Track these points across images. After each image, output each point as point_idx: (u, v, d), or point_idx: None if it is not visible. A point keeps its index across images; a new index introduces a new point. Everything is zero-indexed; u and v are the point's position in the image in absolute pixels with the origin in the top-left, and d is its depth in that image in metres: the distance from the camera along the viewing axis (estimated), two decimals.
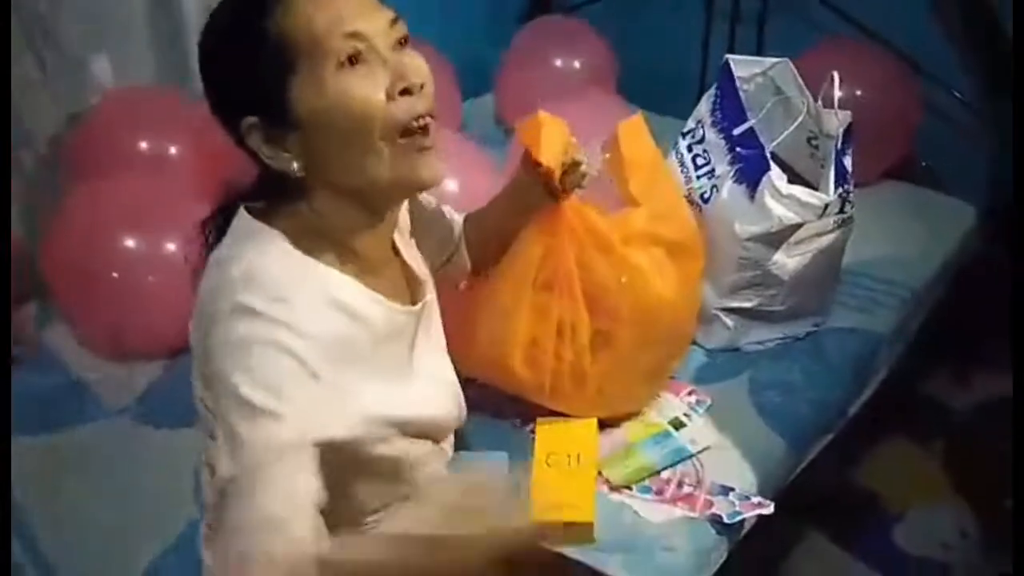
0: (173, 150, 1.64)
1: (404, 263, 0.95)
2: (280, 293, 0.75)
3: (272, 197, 0.83)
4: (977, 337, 1.95)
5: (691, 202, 1.48)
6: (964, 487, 1.74)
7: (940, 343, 1.79)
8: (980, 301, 1.87)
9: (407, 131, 0.77)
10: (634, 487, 1.26)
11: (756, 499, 1.24)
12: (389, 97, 0.76)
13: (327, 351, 0.76)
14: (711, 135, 1.48)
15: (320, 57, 0.75)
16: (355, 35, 0.75)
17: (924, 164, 2.00)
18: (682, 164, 1.51)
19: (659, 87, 2.07)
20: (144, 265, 1.42)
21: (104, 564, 1.16)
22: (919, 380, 1.93)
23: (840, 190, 1.35)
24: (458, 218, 1.16)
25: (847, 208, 1.39)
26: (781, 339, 1.50)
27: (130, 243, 1.43)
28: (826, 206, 1.34)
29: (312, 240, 0.81)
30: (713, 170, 1.46)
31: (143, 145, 1.63)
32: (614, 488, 1.25)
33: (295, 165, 0.78)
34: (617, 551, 1.17)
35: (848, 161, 1.38)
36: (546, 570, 0.77)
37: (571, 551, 1.14)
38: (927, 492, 1.74)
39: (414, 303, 0.92)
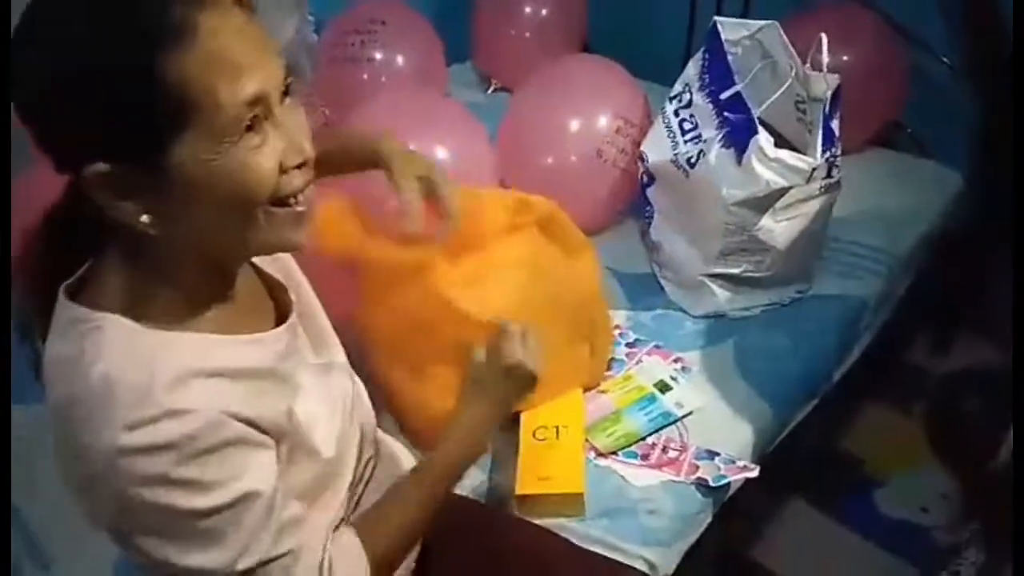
0: None
1: (260, 273, 0.87)
2: (158, 412, 0.65)
3: (87, 258, 0.72)
4: (958, 303, 1.97)
5: (677, 167, 1.47)
6: (943, 451, 1.76)
7: (922, 309, 1.80)
8: (961, 267, 1.89)
9: (284, 200, 0.71)
10: (620, 452, 1.26)
11: (741, 463, 1.25)
12: (281, 170, 0.69)
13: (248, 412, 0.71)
14: (699, 99, 1.47)
15: (218, 123, 0.64)
16: (256, 100, 0.66)
17: (909, 130, 1.99)
18: (669, 128, 1.50)
19: (645, 50, 2.05)
20: None
21: (87, 537, 1.15)
22: (901, 346, 1.94)
23: (827, 154, 1.34)
24: None
25: (834, 172, 1.38)
26: (767, 305, 1.50)
27: None
28: (813, 170, 1.33)
29: (161, 306, 0.71)
30: (700, 135, 1.45)
31: None
32: (600, 454, 1.25)
33: (144, 219, 0.66)
34: (602, 516, 1.18)
35: (835, 125, 1.37)
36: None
37: (559, 521, 1.15)
38: (908, 457, 1.76)
39: (280, 313, 0.84)
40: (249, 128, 0.66)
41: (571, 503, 1.16)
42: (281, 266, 0.88)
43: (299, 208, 0.72)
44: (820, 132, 1.34)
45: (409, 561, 0.99)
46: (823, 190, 1.39)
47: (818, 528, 1.66)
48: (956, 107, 1.95)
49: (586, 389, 1.33)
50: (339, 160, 1.05)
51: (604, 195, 1.65)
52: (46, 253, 0.73)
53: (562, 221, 1.29)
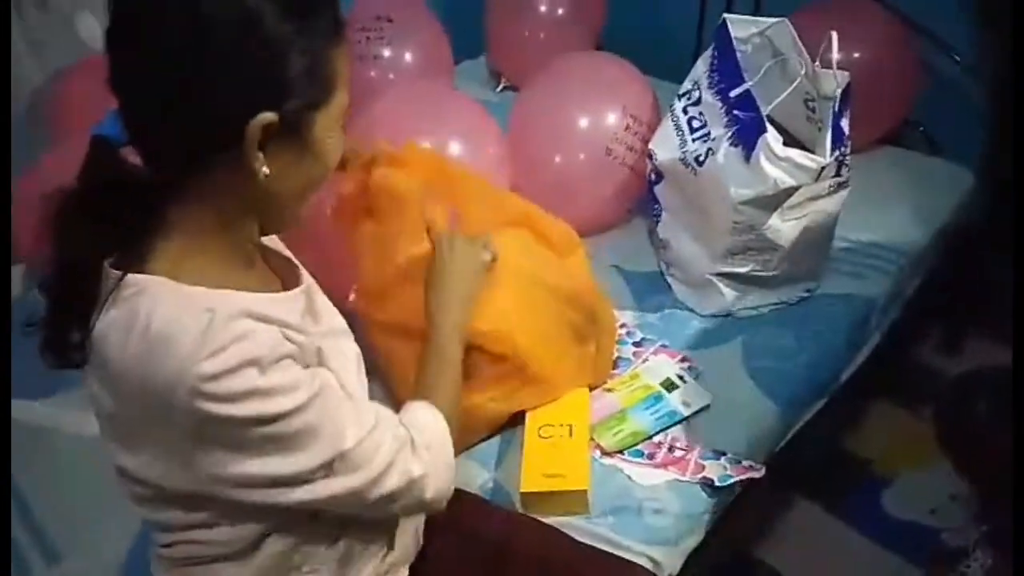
0: None
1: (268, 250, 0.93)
2: (226, 339, 0.72)
3: (131, 230, 0.78)
4: (969, 303, 1.95)
5: (686, 165, 1.46)
6: (953, 452, 1.75)
7: (932, 308, 1.79)
8: (973, 267, 1.87)
9: None
10: (626, 451, 1.26)
11: (747, 463, 1.24)
12: None
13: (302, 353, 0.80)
14: (708, 97, 1.46)
15: (340, 102, 0.79)
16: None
17: (921, 128, 1.98)
18: (677, 126, 1.49)
19: (655, 47, 2.04)
20: None
21: (97, 530, 1.16)
22: (911, 346, 1.93)
23: (837, 153, 1.33)
24: None
25: (843, 171, 1.37)
26: (775, 305, 1.49)
27: None
28: (822, 169, 1.32)
29: (199, 271, 0.78)
30: (709, 133, 1.44)
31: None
32: (606, 453, 1.25)
33: (266, 171, 0.75)
34: (607, 514, 1.17)
35: (845, 124, 1.36)
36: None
37: (564, 519, 1.15)
38: (916, 457, 1.75)
39: (286, 284, 0.90)
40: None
41: (576, 500, 1.16)
42: (275, 245, 0.94)
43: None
44: (829, 131, 1.33)
45: (409, 553, 1.00)
46: (832, 189, 1.38)
47: (825, 529, 1.65)
48: (968, 104, 1.94)
49: (592, 388, 1.32)
50: None
51: (612, 193, 1.64)
52: (81, 224, 0.76)
53: (543, 220, 1.29)
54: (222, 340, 0.72)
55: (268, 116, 0.73)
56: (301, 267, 0.94)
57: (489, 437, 1.27)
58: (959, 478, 1.68)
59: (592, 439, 1.25)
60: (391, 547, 0.95)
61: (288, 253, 0.96)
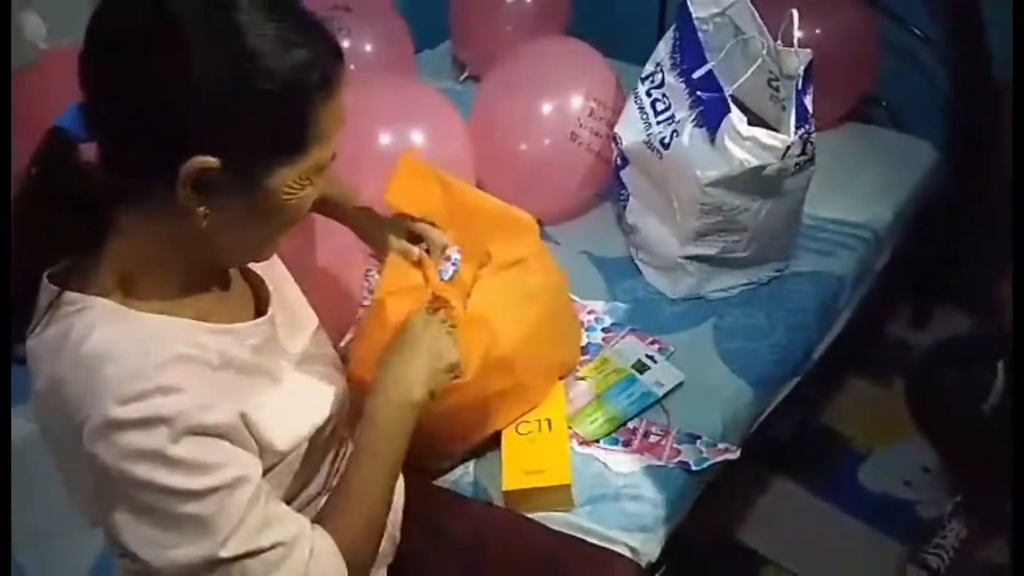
0: None
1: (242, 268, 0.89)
2: (152, 387, 0.67)
3: (76, 245, 0.74)
4: (935, 274, 1.97)
5: (651, 148, 1.45)
6: (924, 424, 1.76)
7: (900, 282, 1.80)
8: (939, 239, 1.89)
9: None
10: (602, 440, 1.25)
11: (723, 445, 1.24)
12: None
13: (226, 400, 0.73)
14: (671, 79, 1.45)
15: (316, 161, 0.74)
16: (333, 154, 0.76)
17: (883, 103, 1.98)
18: (641, 109, 1.48)
19: (616, 30, 2.03)
20: None
21: (62, 549, 1.14)
22: (881, 320, 1.94)
23: (801, 131, 1.33)
24: None
25: (808, 149, 1.37)
26: (745, 285, 1.49)
27: None
28: (787, 148, 1.32)
29: (148, 292, 0.74)
30: (673, 115, 1.43)
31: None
32: (584, 442, 1.24)
33: (202, 211, 0.70)
34: (585, 503, 1.17)
35: (808, 101, 1.35)
36: None
37: (544, 514, 1.14)
38: (890, 431, 1.76)
39: (259, 304, 0.86)
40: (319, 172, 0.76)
41: (559, 495, 1.15)
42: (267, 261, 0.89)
43: None
44: (793, 109, 1.32)
45: (386, 554, 0.98)
46: (798, 167, 1.37)
47: (802, 505, 1.66)
48: (928, 77, 1.94)
49: (561, 376, 1.31)
50: (328, 208, 1.09)
51: (579, 179, 1.63)
52: (29, 221, 0.73)
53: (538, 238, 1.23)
54: (146, 386, 0.66)
55: (207, 161, 0.68)
56: (278, 288, 0.89)
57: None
58: (931, 450, 1.70)
59: (570, 429, 1.24)
60: None
61: (280, 270, 0.92)
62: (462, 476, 1.22)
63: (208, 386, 0.71)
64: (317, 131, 0.72)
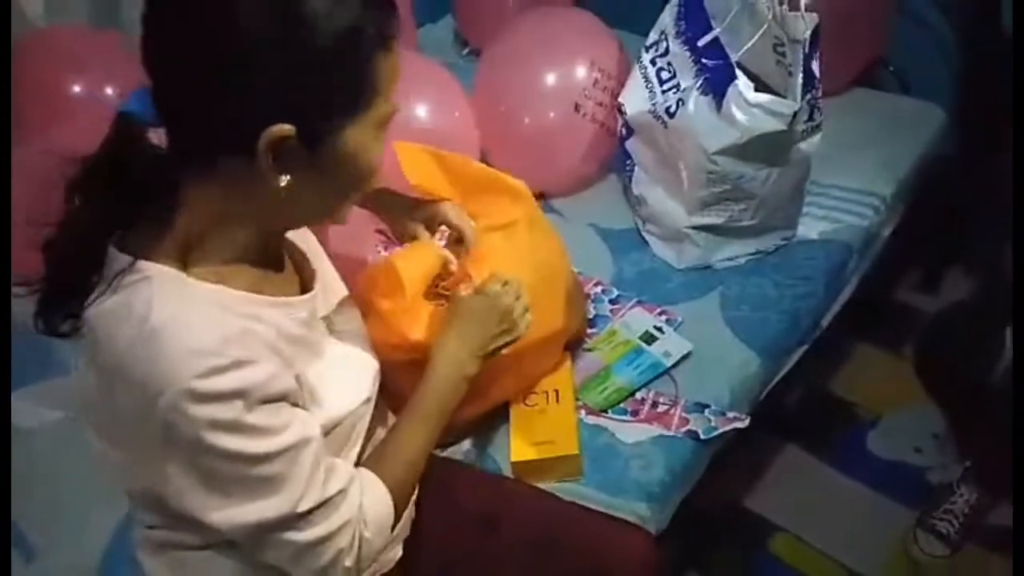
0: (110, 91, 1.56)
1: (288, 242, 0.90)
2: (227, 361, 0.70)
3: (143, 212, 0.76)
4: (944, 239, 1.95)
5: (656, 117, 1.44)
6: (933, 390, 1.76)
7: (908, 247, 1.79)
8: (947, 203, 1.87)
9: None
10: (609, 410, 1.25)
11: (732, 414, 1.24)
12: None
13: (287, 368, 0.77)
14: (675, 47, 1.43)
15: (380, 114, 0.75)
16: (395, 104, 0.77)
17: (890, 67, 1.96)
18: (646, 78, 1.47)
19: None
20: None
21: (75, 529, 1.15)
22: (890, 286, 1.93)
23: (808, 96, 1.31)
24: None
25: (815, 115, 1.36)
26: (752, 255, 1.48)
27: None
28: (795, 114, 1.30)
29: (207, 262, 0.76)
30: (678, 83, 1.42)
31: (76, 89, 1.55)
32: (592, 412, 1.24)
33: (283, 180, 0.72)
34: (594, 473, 1.17)
35: (816, 66, 1.33)
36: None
37: (555, 484, 1.14)
38: (899, 397, 1.76)
39: (304, 282, 0.88)
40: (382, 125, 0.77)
41: (568, 465, 1.16)
42: (302, 237, 0.91)
43: None
44: (800, 74, 1.30)
45: (406, 530, 0.99)
46: (805, 134, 1.36)
47: (812, 473, 1.66)
48: (935, 39, 1.91)
49: (568, 347, 1.31)
50: None
51: (584, 150, 1.62)
52: (95, 194, 0.75)
53: (535, 205, 1.20)
54: (223, 361, 0.69)
55: (284, 128, 0.69)
56: (318, 259, 0.91)
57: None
58: (941, 416, 1.70)
59: (579, 400, 1.24)
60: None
61: (317, 247, 0.93)
62: (471, 448, 1.23)
63: (271, 355, 0.74)
64: (378, 85, 0.73)
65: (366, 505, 0.83)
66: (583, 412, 1.24)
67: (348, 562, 0.82)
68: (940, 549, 1.51)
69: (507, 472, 1.18)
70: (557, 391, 1.23)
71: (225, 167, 0.73)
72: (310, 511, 0.77)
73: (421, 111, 1.49)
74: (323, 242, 0.96)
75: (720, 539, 1.57)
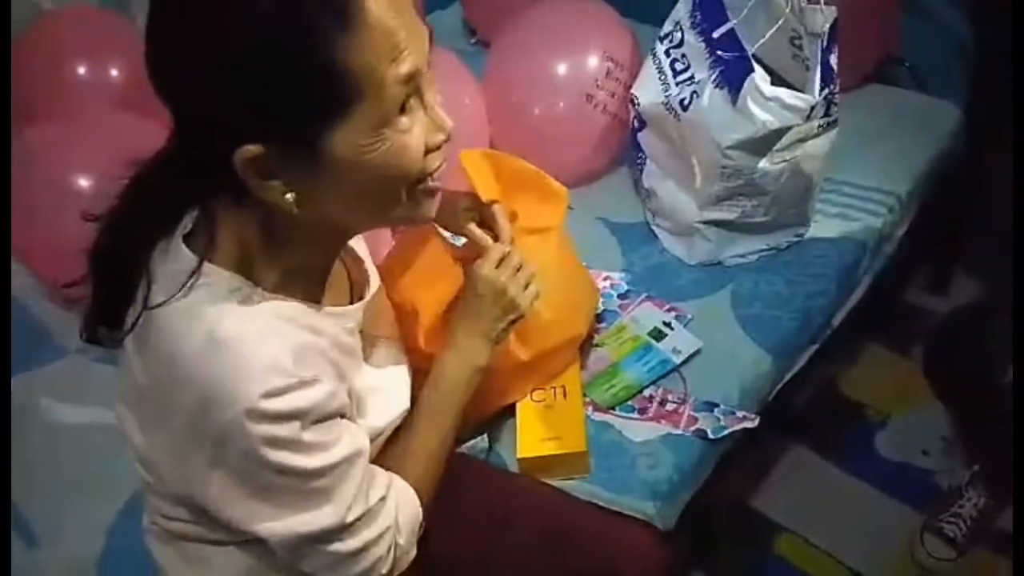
0: (115, 73, 1.54)
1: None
2: (291, 382, 0.69)
3: (190, 207, 0.73)
4: (956, 240, 1.93)
5: (669, 110, 1.41)
6: (942, 392, 1.75)
7: (920, 247, 1.77)
8: (959, 203, 1.85)
9: (424, 178, 0.72)
10: (617, 407, 1.23)
11: (741, 413, 1.22)
12: (426, 149, 0.70)
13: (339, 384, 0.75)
14: (690, 38, 1.41)
15: (375, 104, 0.64)
16: (410, 76, 0.65)
17: (905, 64, 1.93)
18: (660, 70, 1.44)
19: None
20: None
21: (76, 518, 1.14)
22: (902, 287, 1.91)
23: (826, 91, 1.29)
24: None
25: (832, 110, 1.33)
26: (764, 251, 1.46)
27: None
28: (812, 108, 1.28)
29: (266, 270, 0.73)
30: (692, 75, 1.39)
31: (82, 70, 1.54)
32: (599, 409, 1.23)
33: (289, 197, 0.66)
34: (601, 471, 1.16)
35: (833, 60, 1.31)
36: None
37: (560, 482, 1.13)
38: (908, 399, 1.74)
39: (354, 288, 0.87)
40: (402, 111, 0.66)
41: (575, 462, 1.14)
42: (354, 240, 0.88)
43: (435, 184, 0.73)
44: (818, 68, 1.28)
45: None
46: (821, 129, 1.34)
47: (818, 473, 1.65)
48: (951, 36, 1.88)
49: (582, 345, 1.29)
50: None
51: (595, 142, 1.59)
52: (148, 201, 0.72)
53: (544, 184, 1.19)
54: (288, 381, 0.68)
55: (250, 150, 0.63)
56: (370, 267, 0.89)
57: None
58: (949, 418, 1.68)
59: (586, 397, 1.22)
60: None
61: (364, 251, 0.91)
62: (477, 443, 1.21)
63: (330, 370, 0.73)
64: (355, 75, 0.62)
65: (399, 510, 0.83)
66: (590, 409, 1.23)
67: (384, 569, 0.81)
68: (947, 552, 1.50)
69: (514, 469, 1.16)
70: (564, 387, 1.21)
71: (236, 191, 0.68)
72: (356, 520, 0.77)
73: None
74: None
75: (726, 538, 1.56)
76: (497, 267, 0.95)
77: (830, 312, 1.45)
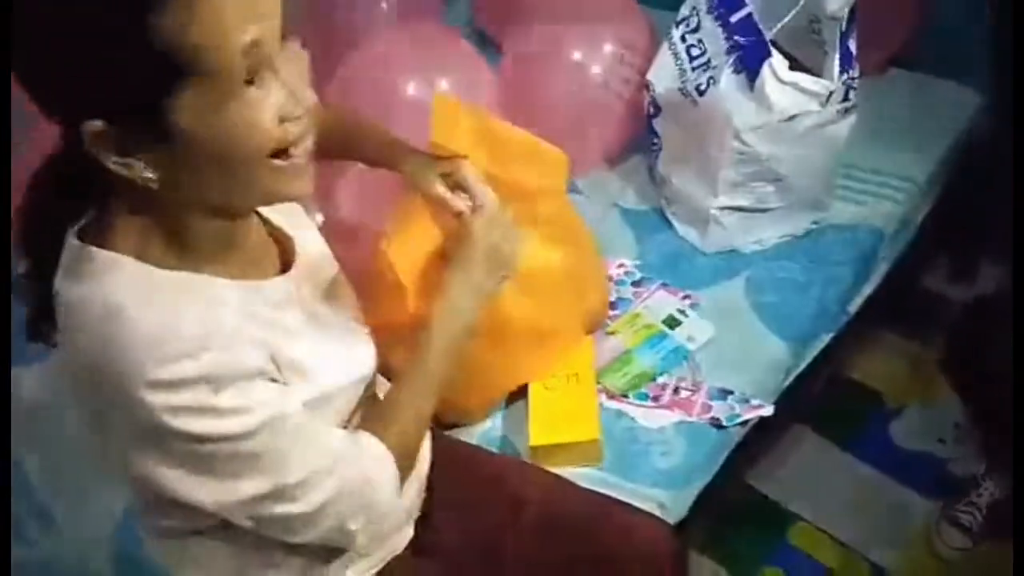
0: None
1: (265, 221, 0.86)
2: (188, 347, 0.67)
3: (96, 202, 0.73)
4: (976, 227, 1.90)
5: (686, 95, 1.40)
6: (959, 381, 1.72)
7: (941, 235, 1.74)
8: (983, 189, 1.82)
9: (285, 151, 0.70)
10: (630, 395, 1.23)
11: (755, 402, 1.22)
12: (281, 120, 0.68)
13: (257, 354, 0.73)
14: (707, 23, 1.39)
15: (214, 76, 0.63)
16: (253, 46, 0.64)
17: (925, 49, 1.90)
18: (676, 55, 1.43)
19: None
20: None
21: (91, 499, 1.15)
22: (920, 273, 1.89)
23: (845, 76, 1.27)
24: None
25: (851, 96, 1.31)
26: (780, 238, 1.45)
27: None
28: (830, 94, 1.27)
29: (169, 250, 0.72)
30: (709, 60, 1.38)
31: None
32: (611, 396, 1.22)
33: (149, 175, 0.66)
34: (615, 458, 1.16)
35: (852, 45, 1.29)
36: None
37: (572, 470, 1.12)
38: (924, 388, 1.72)
39: (285, 261, 0.84)
40: (249, 82, 0.65)
41: (588, 450, 1.14)
42: (287, 214, 0.87)
43: (297, 160, 0.71)
44: (837, 53, 1.26)
45: (413, 509, 0.98)
46: (840, 115, 1.32)
47: (832, 462, 1.64)
48: (973, 21, 1.85)
49: (590, 331, 1.29)
50: (361, 145, 1.06)
51: (609, 128, 1.59)
52: (51, 197, 0.72)
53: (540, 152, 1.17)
54: (182, 347, 0.67)
55: (92, 125, 0.63)
56: (302, 245, 0.87)
57: None
58: (966, 409, 1.66)
59: (599, 384, 1.22)
60: None
61: (306, 224, 0.89)
62: (489, 430, 1.21)
63: (233, 337, 0.71)
64: (187, 48, 0.61)
65: (368, 466, 0.81)
66: (603, 396, 1.22)
67: (354, 525, 0.80)
68: (963, 542, 1.49)
69: (525, 456, 1.16)
70: (577, 374, 1.21)
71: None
72: (299, 482, 0.75)
73: (444, 84, 1.46)
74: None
75: (738, 527, 1.55)
76: (486, 223, 0.93)
77: (846, 299, 1.44)
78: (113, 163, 0.65)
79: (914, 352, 1.81)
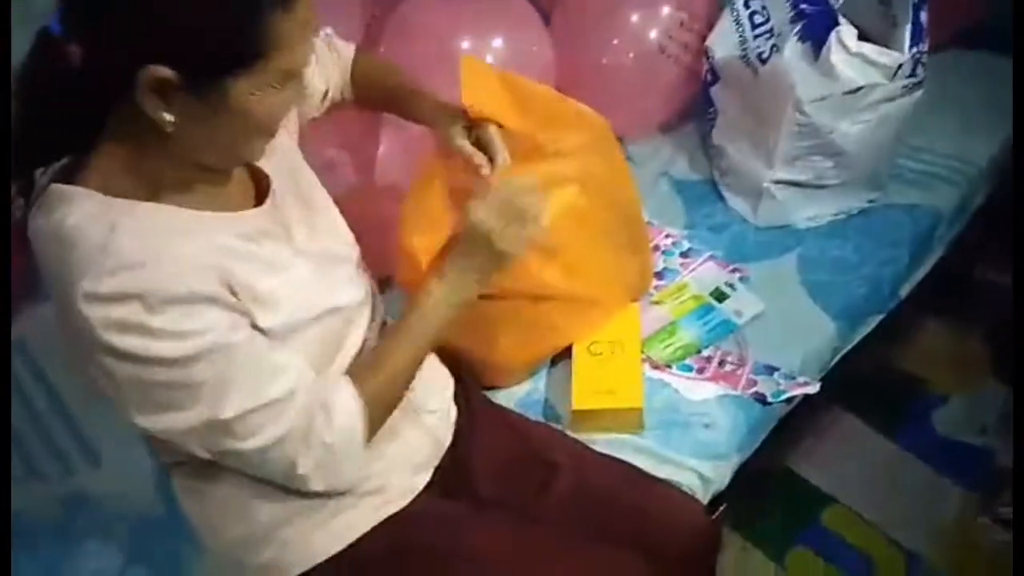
0: None
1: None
2: (125, 261, 0.70)
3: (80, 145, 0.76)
4: None
5: (747, 63, 1.36)
6: (1005, 371, 1.69)
7: (994, 221, 1.69)
8: None
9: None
10: (674, 365, 1.21)
11: (802, 379, 1.20)
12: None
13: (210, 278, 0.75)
14: None
15: (277, 71, 0.74)
16: (300, 68, 0.77)
17: (994, 28, 1.84)
18: (737, 22, 1.39)
19: None
20: None
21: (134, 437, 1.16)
22: (973, 260, 1.84)
23: (915, 50, 1.23)
24: (347, 53, 1.11)
25: (918, 71, 1.27)
26: (835, 215, 1.42)
27: None
28: (899, 67, 1.23)
29: (141, 179, 0.76)
30: (773, 28, 1.34)
31: None
32: (655, 366, 1.21)
33: (168, 118, 0.72)
34: (656, 428, 1.15)
35: (924, 17, 1.25)
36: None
37: (613, 436, 1.11)
38: (970, 377, 1.69)
39: (260, 193, 0.87)
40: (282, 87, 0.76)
41: (629, 418, 1.13)
42: (269, 152, 0.87)
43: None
44: (909, 24, 1.22)
45: (434, 452, 0.98)
46: (906, 90, 1.28)
47: (872, 446, 1.61)
48: None
49: (635, 299, 1.27)
50: (392, 96, 1.10)
51: (664, 95, 1.55)
52: (27, 134, 0.75)
53: (612, 139, 1.16)
54: (112, 263, 0.69)
55: (161, 71, 0.69)
56: (295, 179, 0.90)
57: None
58: (1011, 399, 1.63)
59: (643, 353, 1.21)
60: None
61: (296, 162, 0.92)
62: (531, 392, 1.21)
63: (180, 258, 0.72)
64: (274, 40, 0.72)
65: (334, 411, 0.81)
66: (647, 366, 1.21)
67: (303, 469, 0.80)
68: (1003, 535, 1.46)
69: (567, 420, 1.15)
70: (623, 341, 1.20)
71: (126, 97, 0.71)
72: (243, 416, 0.75)
73: (497, 42, 1.44)
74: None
75: (772, 506, 1.54)
76: (483, 208, 0.89)
77: (900, 282, 1.41)
78: (147, 103, 0.70)
79: (962, 340, 1.77)
